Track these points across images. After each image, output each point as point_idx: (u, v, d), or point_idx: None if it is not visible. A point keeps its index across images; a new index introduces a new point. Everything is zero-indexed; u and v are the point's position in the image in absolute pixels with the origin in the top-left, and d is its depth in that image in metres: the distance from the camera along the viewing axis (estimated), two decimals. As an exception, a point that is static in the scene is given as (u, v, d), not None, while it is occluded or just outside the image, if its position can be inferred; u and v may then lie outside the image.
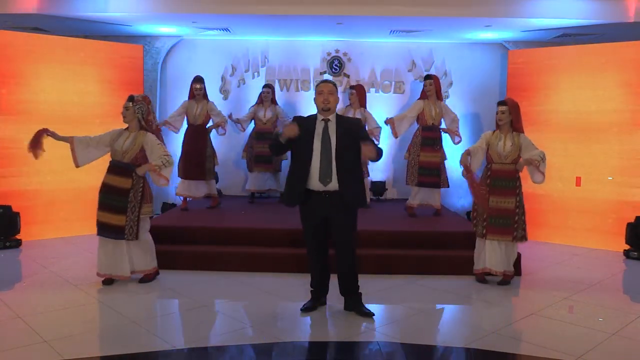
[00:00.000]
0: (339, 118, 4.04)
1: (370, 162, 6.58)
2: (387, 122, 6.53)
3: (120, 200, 4.56)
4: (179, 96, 7.60)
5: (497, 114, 4.85)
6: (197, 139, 6.56)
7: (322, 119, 3.98)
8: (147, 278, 4.82)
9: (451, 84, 7.84)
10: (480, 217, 4.87)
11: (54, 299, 4.37)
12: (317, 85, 4.08)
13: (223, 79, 7.87)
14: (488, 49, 7.78)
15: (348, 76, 7.85)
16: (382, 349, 3.62)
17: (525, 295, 4.74)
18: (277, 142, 3.91)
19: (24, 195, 6.38)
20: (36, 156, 4.70)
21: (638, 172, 6.26)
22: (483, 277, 4.97)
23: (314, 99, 4.03)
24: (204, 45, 7.88)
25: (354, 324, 3.96)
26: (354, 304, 4.15)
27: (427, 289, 4.86)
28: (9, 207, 6.09)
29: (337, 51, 7.87)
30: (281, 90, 7.85)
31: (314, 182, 3.90)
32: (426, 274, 5.19)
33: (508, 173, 4.82)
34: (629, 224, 6.11)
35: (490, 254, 4.86)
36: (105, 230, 4.59)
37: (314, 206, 3.96)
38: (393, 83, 7.87)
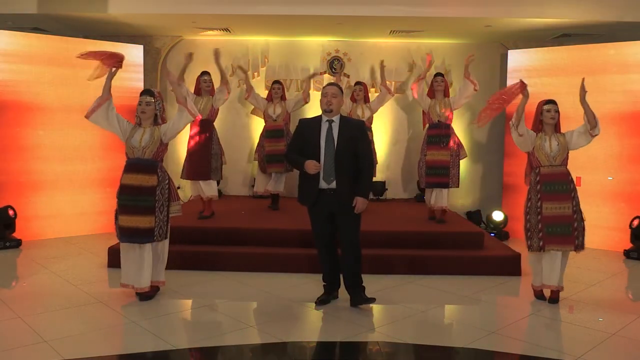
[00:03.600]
0: (343, 120, 4.19)
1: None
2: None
3: (147, 199, 4.21)
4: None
5: (547, 112, 4.48)
6: (202, 134, 6.12)
7: (327, 120, 4.15)
8: (150, 294, 4.38)
9: (451, 84, 7.82)
10: (535, 228, 4.43)
11: (54, 299, 4.37)
12: (322, 88, 4.24)
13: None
14: (488, 49, 7.78)
15: (348, 76, 7.84)
16: (382, 349, 3.62)
17: (525, 295, 4.73)
18: (300, 168, 4.13)
19: (24, 195, 6.38)
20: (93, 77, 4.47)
21: (638, 172, 6.26)
22: (542, 293, 4.58)
23: (320, 101, 4.19)
24: (204, 45, 7.87)
25: (354, 324, 3.96)
26: (357, 297, 4.21)
27: (427, 288, 4.86)
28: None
29: (337, 51, 7.87)
30: (281, 90, 7.85)
31: (320, 181, 4.09)
32: (426, 274, 5.19)
33: (559, 176, 4.45)
34: (630, 224, 6.11)
35: (548, 267, 4.44)
36: (131, 235, 4.23)
37: (321, 203, 4.12)
38: (393, 83, 7.86)
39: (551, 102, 4.59)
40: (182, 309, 4.37)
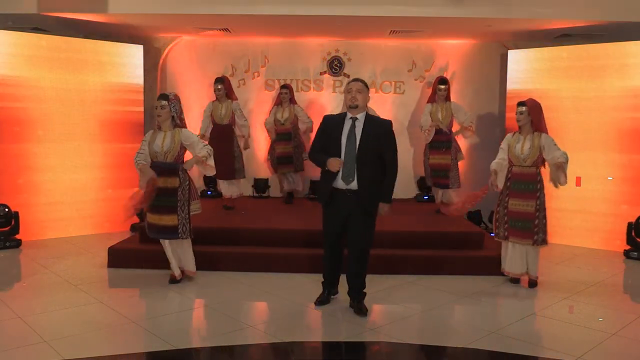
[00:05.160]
0: (368, 118, 4.08)
1: None
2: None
3: (170, 200, 4.58)
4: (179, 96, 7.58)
5: (516, 114, 4.72)
6: (223, 138, 6.50)
7: (350, 117, 4.04)
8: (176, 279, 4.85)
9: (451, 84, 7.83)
10: (502, 220, 4.84)
11: (54, 299, 4.37)
12: (347, 84, 4.16)
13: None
14: (488, 49, 7.78)
15: (348, 76, 7.83)
16: (382, 349, 3.62)
17: (526, 295, 4.73)
18: (323, 167, 4.02)
19: (24, 195, 6.37)
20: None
21: (638, 172, 6.26)
22: (514, 278, 4.96)
23: (344, 97, 4.12)
24: (204, 45, 7.87)
25: (355, 324, 3.96)
26: (354, 302, 4.19)
27: (427, 289, 4.86)
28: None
29: (337, 51, 7.87)
30: (281, 90, 7.85)
31: (338, 181, 3.97)
32: (426, 274, 5.19)
33: (528, 176, 4.70)
34: (629, 224, 6.11)
35: (510, 256, 4.88)
36: (158, 231, 4.65)
37: (338, 204, 4.01)
38: (393, 83, 7.86)
39: (521, 103, 4.71)
40: (182, 309, 4.37)
